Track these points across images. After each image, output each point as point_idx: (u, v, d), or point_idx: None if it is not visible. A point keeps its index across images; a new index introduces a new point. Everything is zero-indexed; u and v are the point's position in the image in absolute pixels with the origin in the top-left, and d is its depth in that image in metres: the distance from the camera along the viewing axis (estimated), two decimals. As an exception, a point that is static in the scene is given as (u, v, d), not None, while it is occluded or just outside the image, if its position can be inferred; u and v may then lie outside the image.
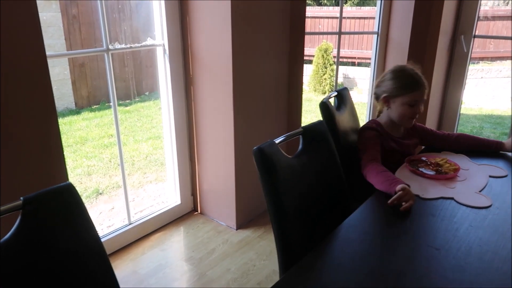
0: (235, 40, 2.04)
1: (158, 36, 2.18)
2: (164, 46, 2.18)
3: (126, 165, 3.87)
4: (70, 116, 5.34)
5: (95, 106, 5.74)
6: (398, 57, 2.93)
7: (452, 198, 1.29)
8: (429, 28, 2.78)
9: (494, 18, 7.69)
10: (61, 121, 5.14)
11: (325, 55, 6.62)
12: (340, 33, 2.90)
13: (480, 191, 1.34)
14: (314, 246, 1.06)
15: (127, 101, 6.00)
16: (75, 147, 4.31)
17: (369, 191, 1.38)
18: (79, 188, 3.37)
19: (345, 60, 7.66)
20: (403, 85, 1.59)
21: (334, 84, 3.38)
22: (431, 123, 3.17)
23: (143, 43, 2.16)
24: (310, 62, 7.00)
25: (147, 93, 6.26)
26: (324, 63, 6.63)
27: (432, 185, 1.38)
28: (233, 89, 2.12)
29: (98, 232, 0.85)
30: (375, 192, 1.36)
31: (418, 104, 1.60)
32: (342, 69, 7.43)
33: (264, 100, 2.35)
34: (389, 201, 1.24)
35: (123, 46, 1.97)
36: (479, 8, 2.89)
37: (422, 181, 1.40)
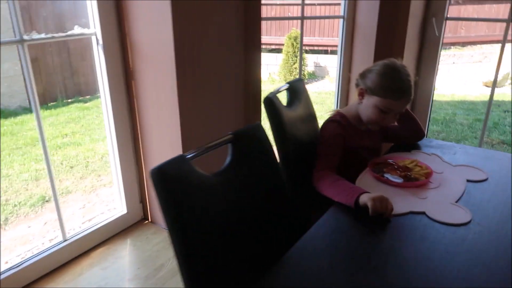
0: (177, 26, 1.76)
1: (91, 23, 1.87)
2: (96, 35, 1.87)
3: (79, 167, 3.56)
4: (24, 115, 4.94)
5: (51, 103, 5.34)
6: (365, 42, 2.71)
7: (423, 213, 1.06)
8: (398, 11, 2.56)
9: (465, 2, 7.59)
10: (12, 121, 4.76)
11: (295, 43, 6.37)
12: (302, 18, 2.64)
13: (456, 201, 1.11)
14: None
15: (87, 96, 5.63)
16: (24, 150, 3.93)
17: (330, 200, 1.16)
18: (23, 196, 3.04)
19: (316, 48, 7.42)
20: (387, 87, 1.34)
21: (299, 73, 3.14)
22: (403, 113, 2.97)
23: (69, 32, 1.85)
24: (280, 51, 6.74)
25: (107, 88, 5.90)
26: (294, 52, 6.38)
27: (400, 195, 1.15)
28: (177, 83, 1.84)
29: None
30: (333, 204, 1.13)
31: (392, 114, 1.37)
32: (313, 57, 7.20)
33: (217, 94, 2.08)
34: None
35: (42, 36, 1.66)
36: (451, -12, 2.69)
37: (388, 191, 1.16)
